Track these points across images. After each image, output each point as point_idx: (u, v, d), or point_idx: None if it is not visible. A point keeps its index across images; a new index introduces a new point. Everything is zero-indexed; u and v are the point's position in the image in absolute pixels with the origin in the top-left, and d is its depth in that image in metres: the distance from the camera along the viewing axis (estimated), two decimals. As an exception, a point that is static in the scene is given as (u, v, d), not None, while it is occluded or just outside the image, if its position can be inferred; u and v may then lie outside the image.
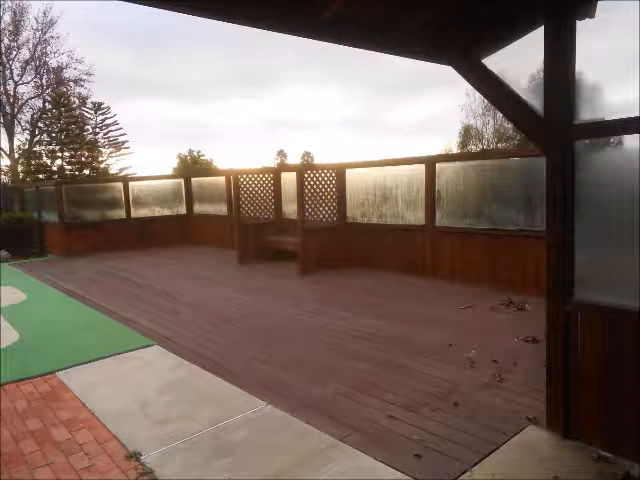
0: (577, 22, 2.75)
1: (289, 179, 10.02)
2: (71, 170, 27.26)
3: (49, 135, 27.56)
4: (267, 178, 10.39)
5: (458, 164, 7.74)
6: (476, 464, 2.79)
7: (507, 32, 3.19)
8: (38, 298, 7.64)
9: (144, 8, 2.46)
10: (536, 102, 2.97)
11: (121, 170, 29.55)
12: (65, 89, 30.45)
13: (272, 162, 50.89)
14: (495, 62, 3.17)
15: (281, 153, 54.99)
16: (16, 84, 30.29)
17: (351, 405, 3.58)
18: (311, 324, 5.61)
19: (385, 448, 2.99)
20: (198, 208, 13.66)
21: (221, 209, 12.59)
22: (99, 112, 29.51)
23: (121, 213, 12.97)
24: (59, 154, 27.25)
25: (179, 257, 11.32)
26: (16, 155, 29.71)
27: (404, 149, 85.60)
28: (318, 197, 8.70)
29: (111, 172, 28.76)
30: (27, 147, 29.60)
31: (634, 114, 2.59)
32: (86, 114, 29.58)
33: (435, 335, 5.02)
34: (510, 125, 32.84)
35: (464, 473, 2.72)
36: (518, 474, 2.69)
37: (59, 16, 33.74)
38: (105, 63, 50.65)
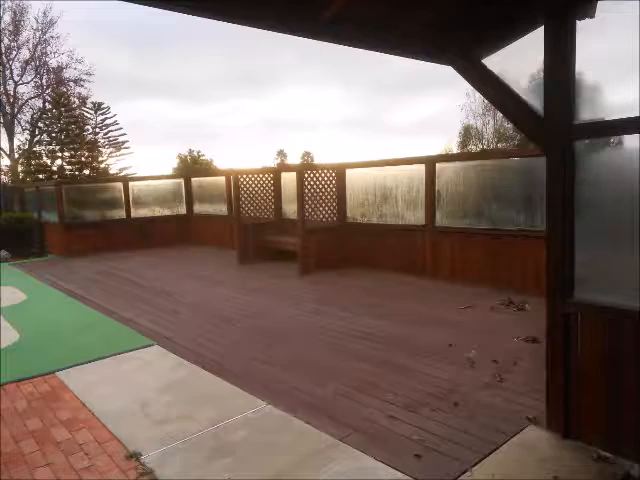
0: (577, 22, 2.75)
1: (289, 179, 10.00)
2: (71, 170, 27.27)
3: (49, 135, 27.57)
4: (267, 178, 10.39)
5: (458, 164, 7.74)
6: (476, 464, 2.79)
7: (507, 32, 3.19)
8: (38, 298, 7.64)
9: (144, 8, 2.46)
10: (536, 102, 2.97)
11: (121, 170, 29.57)
12: (65, 89, 30.41)
13: (272, 162, 50.94)
14: (495, 62, 3.17)
15: (281, 153, 55.02)
16: (16, 84, 30.28)
17: (351, 405, 3.58)
18: (311, 324, 5.61)
19: (385, 448, 2.98)
20: (198, 208, 13.66)
21: (221, 209, 12.59)
22: (99, 112, 29.53)
23: (121, 213, 12.97)
24: (59, 154, 27.26)
25: (179, 257, 11.32)
26: (16, 155, 29.70)
27: (404, 149, 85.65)
28: (318, 197, 8.70)
29: (111, 172, 28.77)
30: (27, 147, 29.59)
31: (634, 114, 2.59)
32: (86, 114, 29.61)
33: (435, 335, 5.02)
34: (510, 125, 32.84)
35: (464, 473, 2.72)
36: (518, 474, 2.69)
37: (59, 16, 33.69)
38: (105, 63, 50.75)
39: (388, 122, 71.63)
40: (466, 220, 7.41)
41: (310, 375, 4.15)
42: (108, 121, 29.67)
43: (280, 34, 2.90)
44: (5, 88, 29.86)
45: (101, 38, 47.67)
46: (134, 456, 3.00)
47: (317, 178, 8.69)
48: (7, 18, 28.98)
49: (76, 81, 31.27)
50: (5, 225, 12.55)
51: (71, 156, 27.36)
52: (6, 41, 29.33)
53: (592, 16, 2.74)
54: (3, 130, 29.06)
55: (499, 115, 34.59)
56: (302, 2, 2.82)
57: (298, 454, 2.96)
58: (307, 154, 51.23)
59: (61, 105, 27.14)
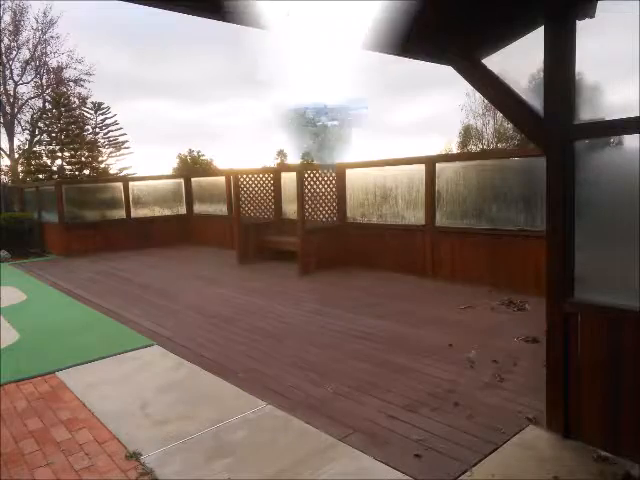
0: (577, 22, 2.75)
1: (289, 179, 10.01)
2: (71, 170, 27.23)
3: (49, 135, 27.53)
4: (267, 178, 10.39)
5: (458, 164, 7.74)
6: (476, 464, 2.79)
7: (507, 32, 3.19)
8: (38, 298, 7.64)
9: (144, 8, 2.46)
10: (536, 102, 2.97)
11: (121, 170, 29.52)
12: (65, 89, 30.40)
13: (272, 162, 50.85)
14: (495, 62, 3.17)
15: (281, 153, 54.96)
16: (16, 84, 30.26)
17: (351, 405, 3.58)
18: (311, 324, 5.61)
19: (385, 448, 2.99)
20: (198, 208, 13.66)
21: (221, 209, 12.59)
22: (99, 112, 29.49)
23: (121, 213, 12.97)
24: (59, 154, 27.22)
25: (179, 257, 11.32)
26: (16, 155, 29.67)
27: (404, 149, 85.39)
28: (318, 197, 8.70)
29: (111, 172, 28.73)
30: (27, 147, 29.56)
31: (634, 114, 2.60)
32: (86, 114, 29.56)
33: (435, 335, 5.02)
34: (510, 125, 32.81)
35: (464, 473, 2.72)
36: (518, 474, 2.69)
37: (59, 16, 33.47)
38: (105, 63, 50.80)
39: (388, 122, 71.56)
40: (466, 220, 7.41)
41: (310, 375, 4.15)
42: (108, 121, 29.64)
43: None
44: (5, 88, 29.86)
45: (101, 38, 47.72)
46: (134, 456, 3.00)
47: (317, 178, 8.69)
48: (7, 18, 28.99)
49: (76, 81, 31.30)
50: (5, 225, 12.54)
51: (71, 156, 27.31)
52: (6, 41, 29.34)
53: (592, 16, 2.74)
54: (3, 130, 29.10)
55: (499, 115, 34.57)
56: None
57: (298, 454, 2.96)
58: (307, 154, 51.17)
59: (61, 105, 27.11)
